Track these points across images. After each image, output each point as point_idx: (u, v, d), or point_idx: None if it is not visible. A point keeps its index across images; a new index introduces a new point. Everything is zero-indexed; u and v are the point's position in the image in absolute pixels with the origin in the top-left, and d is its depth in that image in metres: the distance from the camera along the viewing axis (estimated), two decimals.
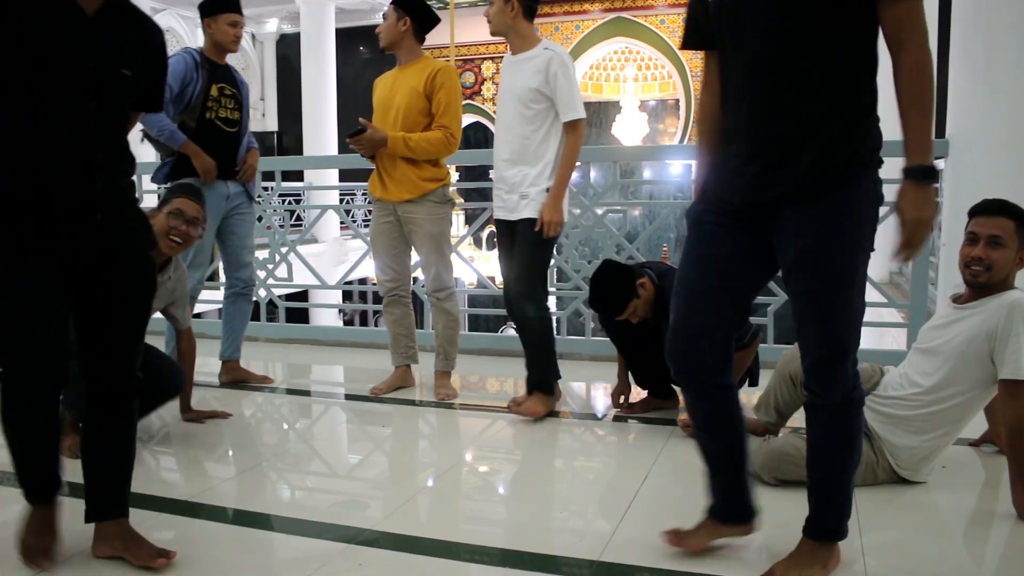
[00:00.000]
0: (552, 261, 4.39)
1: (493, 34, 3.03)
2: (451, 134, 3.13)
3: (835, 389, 1.62)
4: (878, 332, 6.25)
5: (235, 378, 3.50)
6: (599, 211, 4.08)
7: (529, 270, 2.97)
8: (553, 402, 3.06)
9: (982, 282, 2.14)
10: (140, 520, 2.16)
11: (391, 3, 3.18)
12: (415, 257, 3.44)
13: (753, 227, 1.63)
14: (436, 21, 3.26)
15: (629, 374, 3.09)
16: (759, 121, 1.56)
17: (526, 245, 2.96)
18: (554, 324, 3.15)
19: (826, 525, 1.70)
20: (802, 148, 1.52)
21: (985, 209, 2.16)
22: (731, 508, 1.82)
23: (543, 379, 3.04)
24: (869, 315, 5.79)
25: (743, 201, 1.62)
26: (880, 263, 7.18)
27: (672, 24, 13.60)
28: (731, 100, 1.62)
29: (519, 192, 2.97)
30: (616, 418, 3.03)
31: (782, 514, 1.94)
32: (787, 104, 1.53)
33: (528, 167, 2.96)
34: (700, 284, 1.70)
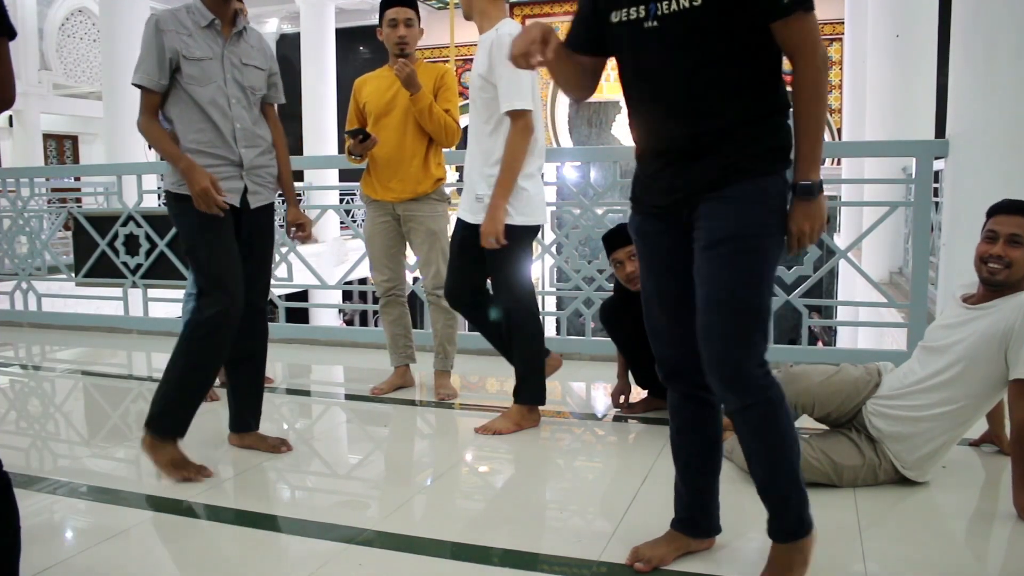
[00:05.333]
0: (552, 261, 4.39)
1: (465, 17, 2.87)
2: (459, 127, 3.18)
3: (742, 389, 1.58)
4: (878, 332, 6.26)
5: None
6: (599, 211, 4.08)
7: (503, 277, 2.79)
8: (533, 416, 2.87)
9: (1000, 280, 2.14)
10: (139, 519, 2.17)
11: (412, 9, 3.14)
12: (412, 257, 3.44)
13: (682, 224, 1.65)
14: None
15: (629, 373, 3.08)
16: (670, 131, 1.62)
17: (492, 252, 2.75)
18: (543, 335, 2.93)
19: (788, 526, 1.66)
20: (713, 150, 1.57)
21: (1005, 208, 2.17)
22: (696, 521, 1.83)
23: (523, 390, 2.86)
24: (869, 315, 5.83)
25: (666, 202, 1.66)
26: (880, 263, 7.23)
27: None
28: (640, 112, 1.68)
29: (474, 193, 2.80)
30: (616, 418, 3.03)
31: None
32: (696, 114, 1.58)
33: (477, 163, 2.80)
34: (664, 296, 1.73)
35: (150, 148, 3.19)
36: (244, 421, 2.69)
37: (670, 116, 1.61)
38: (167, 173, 2.48)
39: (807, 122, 1.53)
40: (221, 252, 2.45)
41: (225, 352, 2.50)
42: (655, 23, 1.55)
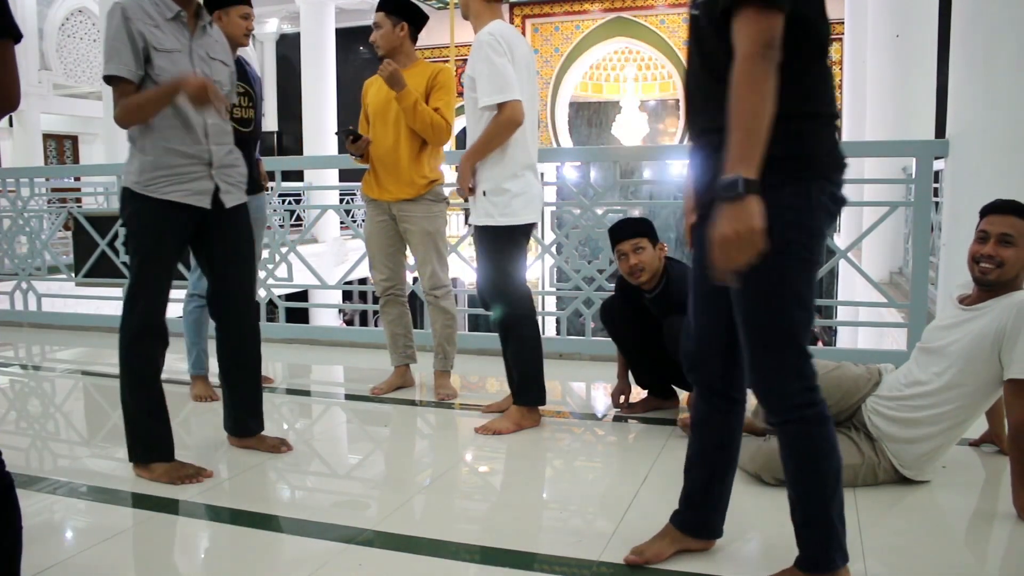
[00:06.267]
0: (552, 261, 4.40)
1: (463, 17, 2.89)
2: (450, 126, 3.17)
3: (775, 404, 1.57)
4: (878, 332, 6.26)
5: None
6: (599, 211, 4.08)
7: (491, 277, 2.82)
8: (533, 416, 2.87)
9: (991, 280, 2.15)
10: (139, 519, 2.17)
11: (382, 11, 3.15)
12: (411, 257, 3.44)
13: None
14: (426, 19, 3.28)
15: (629, 373, 3.08)
16: (691, 123, 1.64)
17: (480, 251, 2.85)
18: (540, 334, 2.92)
19: (806, 552, 1.62)
20: (719, 153, 1.50)
21: (997, 208, 2.17)
22: (687, 517, 1.82)
23: (520, 391, 2.87)
24: (869, 315, 5.84)
25: (700, 204, 1.64)
26: (880, 263, 7.22)
27: (672, 24, 13.60)
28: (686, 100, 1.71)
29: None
30: (616, 418, 3.03)
31: (782, 514, 1.93)
32: (704, 109, 1.57)
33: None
34: (698, 287, 1.72)
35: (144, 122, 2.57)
36: (244, 425, 2.67)
37: (691, 109, 1.63)
38: (126, 170, 2.38)
39: (734, 118, 1.40)
40: (157, 267, 2.39)
41: (159, 360, 2.43)
42: (697, 11, 1.56)
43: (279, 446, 2.65)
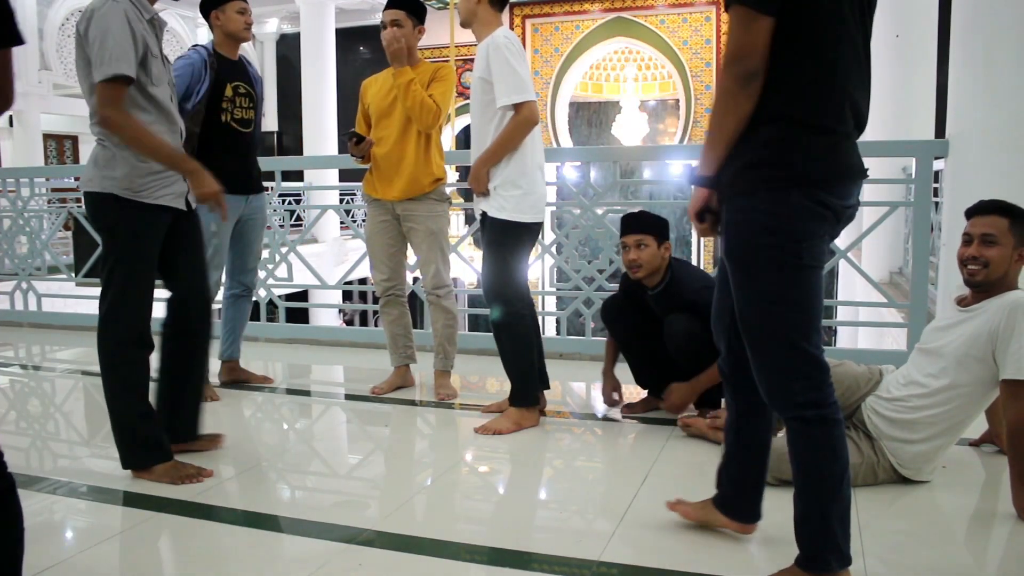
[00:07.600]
0: (552, 261, 4.39)
1: (463, 25, 2.91)
2: (440, 111, 3.14)
3: (776, 401, 1.59)
4: (878, 332, 6.26)
5: (235, 378, 3.50)
6: (599, 211, 4.08)
7: (491, 271, 2.84)
8: (532, 416, 2.87)
9: (980, 280, 2.15)
10: (139, 519, 2.17)
11: (403, 10, 3.13)
12: (412, 257, 3.44)
13: None
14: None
15: (614, 368, 3.07)
16: None
17: (486, 244, 2.88)
18: (535, 329, 2.94)
19: (805, 550, 1.62)
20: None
21: (979, 209, 2.19)
22: (725, 498, 1.88)
23: (515, 392, 2.89)
24: (869, 315, 5.85)
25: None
26: (880, 263, 7.21)
27: (672, 24, 13.59)
28: None
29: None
30: (616, 418, 3.03)
31: (782, 514, 1.93)
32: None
33: None
34: (718, 272, 1.76)
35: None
36: (190, 430, 2.58)
37: None
38: (106, 175, 2.29)
39: (711, 118, 1.55)
40: (147, 272, 2.35)
41: (148, 364, 2.38)
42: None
43: (216, 441, 2.63)
